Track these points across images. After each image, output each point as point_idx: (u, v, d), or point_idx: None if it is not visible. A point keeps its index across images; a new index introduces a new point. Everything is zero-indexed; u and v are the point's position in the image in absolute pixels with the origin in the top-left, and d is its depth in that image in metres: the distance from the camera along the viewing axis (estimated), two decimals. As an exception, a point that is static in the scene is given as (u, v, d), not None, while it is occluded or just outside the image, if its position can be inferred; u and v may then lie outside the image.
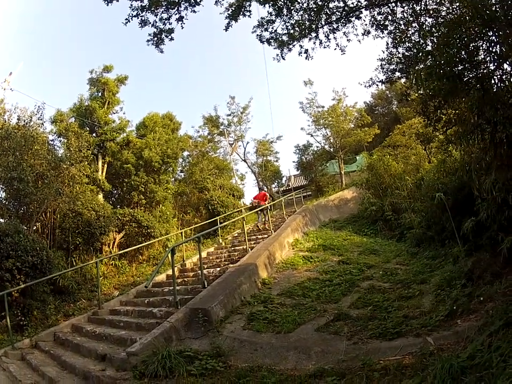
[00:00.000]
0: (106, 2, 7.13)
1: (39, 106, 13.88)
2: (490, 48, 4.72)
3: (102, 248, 14.46)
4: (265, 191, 18.92)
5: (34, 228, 12.52)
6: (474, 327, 4.25)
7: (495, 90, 4.82)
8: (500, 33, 4.47)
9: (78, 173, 14.24)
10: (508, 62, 4.73)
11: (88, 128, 18.57)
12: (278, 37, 8.95)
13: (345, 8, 8.26)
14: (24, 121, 13.43)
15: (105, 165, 19.13)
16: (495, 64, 4.81)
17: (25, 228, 11.41)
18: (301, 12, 8.55)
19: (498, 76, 4.83)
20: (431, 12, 7.68)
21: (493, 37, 4.63)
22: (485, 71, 4.84)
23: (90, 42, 67.24)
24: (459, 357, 3.61)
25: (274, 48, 9.18)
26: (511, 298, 4.27)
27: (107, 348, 6.57)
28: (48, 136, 15.31)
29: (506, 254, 5.17)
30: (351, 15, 8.40)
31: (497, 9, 4.38)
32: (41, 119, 14.03)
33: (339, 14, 8.42)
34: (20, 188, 11.12)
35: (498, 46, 4.65)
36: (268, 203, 16.50)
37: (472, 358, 3.50)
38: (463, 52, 4.78)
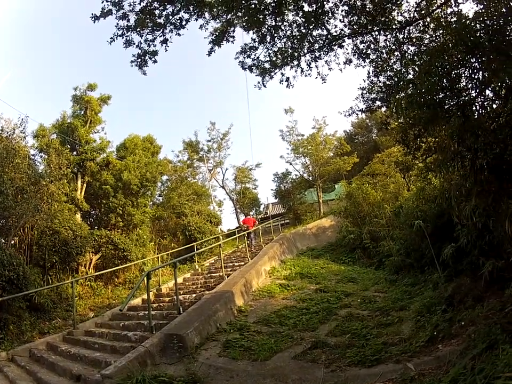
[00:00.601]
0: (93, 19, 7.13)
1: (22, 119, 13.77)
2: (473, 75, 4.79)
3: (78, 268, 14.26)
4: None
5: (12, 242, 12.28)
6: (456, 351, 4.19)
7: (476, 117, 4.89)
8: (483, 59, 4.55)
9: (57, 191, 14.17)
10: (490, 88, 4.83)
11: (69, 146, 18.27)
12: (260, 64, 9.01)
13: (328, 36, 8.39)
14: (7, 133, 13.23)
15: (84, 185, 18.79)
16: (477, 90, 4.89)
17: (3, 241, 11.23)
18: (284, 40, 8.67)
19: (480, 102, 4.90)
20: (414, 40, 7.89)
21: (476, 63, 4.70)
22: (466, 98, 4.90)
23: (90, 42, 67.66)
24: (441, 381, 3.56)
25: (256, 76, 9.22)
26: (494, 320, 4.23)
27: (82, 369, 6.52)
28: (30, 151, 15.13)
29: (488, 277, 5.20)
30: (333, 43, 8.53)
31: (482, 34, 4.48)
32: (23, 133, 13.87)
33: (322, 42, 8.55)
34: (0, 200, 10.88)
35: (481, 72, 4.72)
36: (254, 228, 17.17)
37: (455, 381, 3.42)
38: (444, 80, 4.85)
